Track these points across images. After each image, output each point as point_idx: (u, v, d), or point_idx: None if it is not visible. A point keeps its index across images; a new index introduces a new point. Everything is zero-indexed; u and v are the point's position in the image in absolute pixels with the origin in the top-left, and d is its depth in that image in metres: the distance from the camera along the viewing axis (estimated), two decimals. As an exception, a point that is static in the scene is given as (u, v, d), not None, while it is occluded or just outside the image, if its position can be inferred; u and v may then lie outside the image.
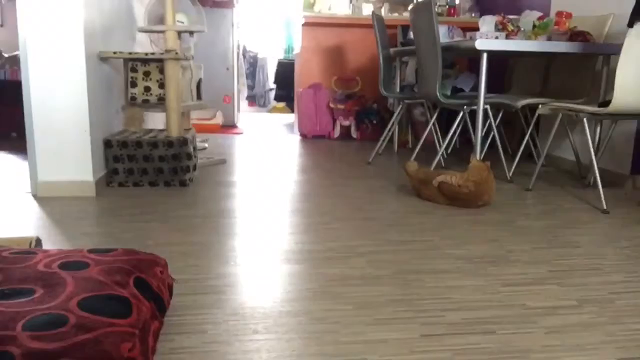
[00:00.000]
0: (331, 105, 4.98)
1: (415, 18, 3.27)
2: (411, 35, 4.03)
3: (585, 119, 2.66)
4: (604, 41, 3.19)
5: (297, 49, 5.51)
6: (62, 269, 1.20)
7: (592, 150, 2.70)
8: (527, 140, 3.43)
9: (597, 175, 2.63)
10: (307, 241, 2.02)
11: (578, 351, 1.25)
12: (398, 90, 4.19)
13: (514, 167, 3.28)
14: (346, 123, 5.00)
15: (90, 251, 1.33)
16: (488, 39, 2.88)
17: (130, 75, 3.05)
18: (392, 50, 3.98)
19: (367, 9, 5.34)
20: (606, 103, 2.56)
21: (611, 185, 3.11)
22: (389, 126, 4.04)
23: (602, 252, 1.98)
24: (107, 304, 1.07)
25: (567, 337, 1.32)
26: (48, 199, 2.58)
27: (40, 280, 1.15)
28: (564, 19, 3.10)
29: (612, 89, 2.48)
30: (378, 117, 4.98)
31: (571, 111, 2.73)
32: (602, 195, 2.59)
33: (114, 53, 2.84)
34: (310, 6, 5.39)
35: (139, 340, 1.04)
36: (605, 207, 2.56)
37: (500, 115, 3.73)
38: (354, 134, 5.04)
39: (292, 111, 7.23)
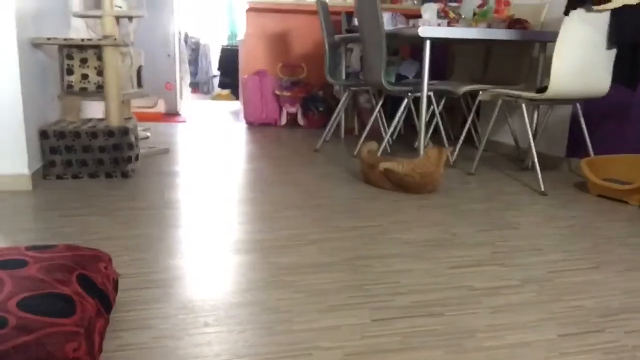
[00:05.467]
0: (277, 92, 4.94)
1: (360, 5, 3.27)
2: (356, 22, 4.03)
3: (523, 105, 2.75)
4: (541, 29, 3.31)
5: (241, 36, 5.42)
6: (-1, 268, 1.14)
7: (530, 134, 2.80)
8: (469, 126, 3.52)
9: (535, 158, 2.74)
10: (256, 230, 2.01)
11: (521, 329, 1.30)
12: (344, 77, 4.20)
13: (456, 152, 3.36)
14: (292, 110, 4.98)
15: (29, 248, 1.27)
16: (431, 27, 2.92)
17: (66, 63, 2.91)
18: (337, 37, 3.98)
19: (312, -5, 5.30)
20: (543, 89, 2.66)
21: (548, 168, 3.24)
22: (335, 113, 4.05)
23: (541, 232, 2.06)
24: (49, 303, 1.03)
25: (510, 316, 1.37)
26: (-20, 194, 2.44)
27: (-25, 280, 1.09)
28: (503, 6, 3.19)
29: (549, 75, 2.57)
30: (324, 104, 4.98)
31: (510, 97, 2.82)
32: (540, 178, 2.70)
33: (48, 39, 2.70)
34: (253, -8, 5.31)
35: (84, 339, 1.00)
36: (543, 189, 2.67)
37: (442, 101, 3.81)
38: (300, 121, 5.03)
39: (237, 98, 7.14)
